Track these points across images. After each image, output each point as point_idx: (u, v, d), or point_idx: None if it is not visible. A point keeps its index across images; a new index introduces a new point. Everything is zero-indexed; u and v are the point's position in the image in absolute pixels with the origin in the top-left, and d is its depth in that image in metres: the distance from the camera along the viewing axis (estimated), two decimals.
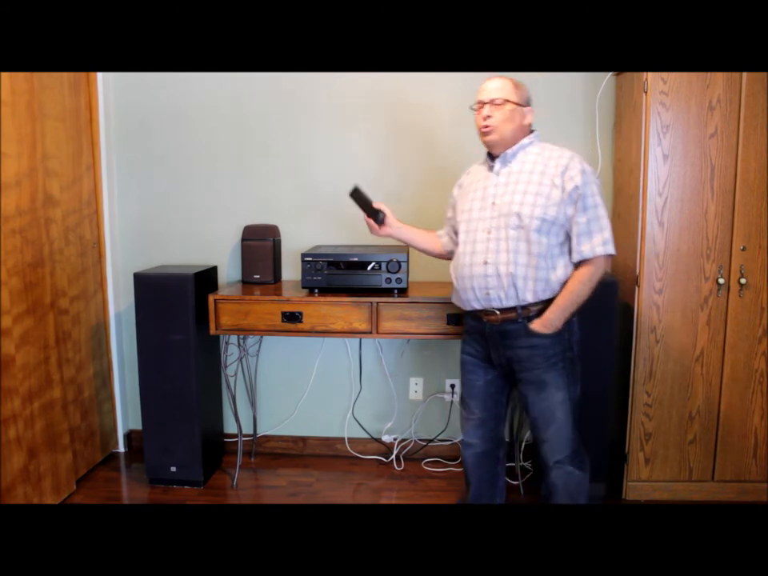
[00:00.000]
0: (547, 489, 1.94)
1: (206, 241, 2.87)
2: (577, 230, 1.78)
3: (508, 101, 1.83)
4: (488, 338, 1.89)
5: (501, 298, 1.81)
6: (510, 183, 1.84)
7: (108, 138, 2.79)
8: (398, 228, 2.14)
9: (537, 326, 1.81)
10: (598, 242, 1.78)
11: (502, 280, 1.79)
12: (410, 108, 2.72)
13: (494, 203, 1.84)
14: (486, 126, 1.84)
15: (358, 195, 2.07)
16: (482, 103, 1.86)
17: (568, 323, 1.83)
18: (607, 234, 1.79)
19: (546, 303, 1.82)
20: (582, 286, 1.79)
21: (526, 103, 1.88)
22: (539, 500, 2.03)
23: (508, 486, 2.41)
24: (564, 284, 1.81)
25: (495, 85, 1.86)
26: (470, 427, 2.02)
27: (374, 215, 2.08)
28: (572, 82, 2.63)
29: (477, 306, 1.87)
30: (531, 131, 1.91)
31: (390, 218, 2.12)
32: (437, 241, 2.20)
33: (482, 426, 2.00)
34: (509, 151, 1.87)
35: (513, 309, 1.82)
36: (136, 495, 2.59)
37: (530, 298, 1.80)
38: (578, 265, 1.82)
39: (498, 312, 1.84)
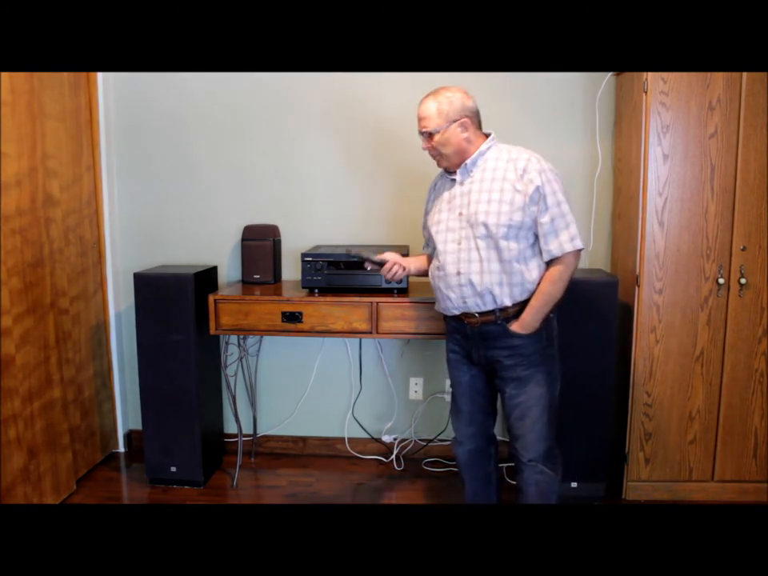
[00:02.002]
0: (518, 487, 1.94)
1: (205, 241, 2.86)
2: (542, 230, 1.79)
3: (434, 133, 1.82)
4: (469, 339, 1.92)
5: (478, 304, 1.83)
6: (473, 192, 1.83)
7: (108, 137, 2.79)
8: (409, 264, 2.08)
9: (515, 327, 1.83)
10: (565, 239, 1.78)
11: (476, 288, 1.81)
12: (410, 108, 2.71)
13: (460, 213, 1.84)
14: (433, 156, 1.88)
15: (360, 258, 2.04)
16: (420, 133, 1.87)
17: (546, 321, 1.85)
18: (573, 229, 1.79)
19: (524, 304, 1.83)
20: (552, 285, 1.81)
21: (457, 117, 1.81)
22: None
23: (507, 485, 2.41)
24: (539, 284, 1.83)
25: (422, 114, 1.84)
26: (460, 424, 2.04)
27: (381, 265, 2.02)
28: (572, 82, 2.63)
29: (456, 312, 1.90)
30: (487, 135, 1.89)
31: (400, 260, 2.03)
32: (426, 259, 2.13)
33: (472, 422, 2.01)
34: (468, 161, 1.85)
35: (491, 312, 1.84)
36: (136, 495, 2.59)
37: (507, 302, 1.82)
38: (548, 263, 1.83)
39: (477, 315, 1.85)
